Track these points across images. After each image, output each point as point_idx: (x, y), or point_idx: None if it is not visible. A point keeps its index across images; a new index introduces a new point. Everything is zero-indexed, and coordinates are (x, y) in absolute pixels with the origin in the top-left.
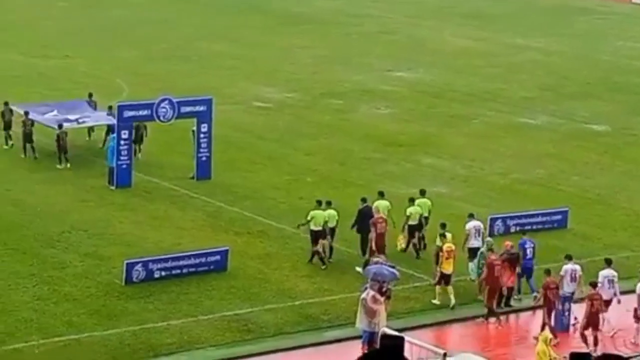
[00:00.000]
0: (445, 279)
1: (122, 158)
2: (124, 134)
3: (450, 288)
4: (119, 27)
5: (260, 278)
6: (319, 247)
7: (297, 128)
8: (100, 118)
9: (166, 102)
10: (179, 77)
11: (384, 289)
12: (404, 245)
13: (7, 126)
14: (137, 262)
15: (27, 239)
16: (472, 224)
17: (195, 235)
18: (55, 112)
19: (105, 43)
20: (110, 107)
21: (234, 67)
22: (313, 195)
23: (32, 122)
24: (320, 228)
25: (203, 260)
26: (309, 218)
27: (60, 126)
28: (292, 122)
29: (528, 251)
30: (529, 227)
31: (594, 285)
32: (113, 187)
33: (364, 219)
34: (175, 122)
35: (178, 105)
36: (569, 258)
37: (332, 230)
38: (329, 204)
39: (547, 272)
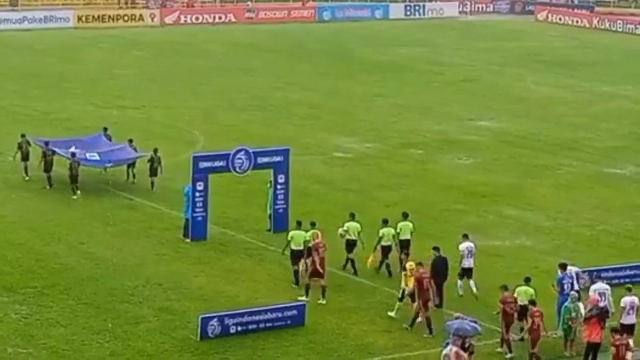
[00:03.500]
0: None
1: (197, 210)
2: (199, 186)
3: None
4: (196, 77)
5: (338, 333)
6: (300, 267)
7: (376, 179)
8: (130, 153)
9: (242, 152)
10: (256, 127)
11: (467, 345)
12: (375, 265)
13: (25, 157)
14: (213, 317)
15: (100, 293)
16: (465, 245)
17: (272, 289)
18: (73, 148)
19: (182, 93)
20: (130, 140)
21: (313, 117)
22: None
23: (53, 152)
24: (300, 247)
25: (280, 315)
26: (288, 238)
27: (73, 154)
28: (372, 172)
29: (565, 286)
30: (617, 281)
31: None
32: (188, 240)
33: (439, 269)
34: (251, 174)
35: (254, 156)
36: None
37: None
38: (312, 225)
39: (504, 287)
